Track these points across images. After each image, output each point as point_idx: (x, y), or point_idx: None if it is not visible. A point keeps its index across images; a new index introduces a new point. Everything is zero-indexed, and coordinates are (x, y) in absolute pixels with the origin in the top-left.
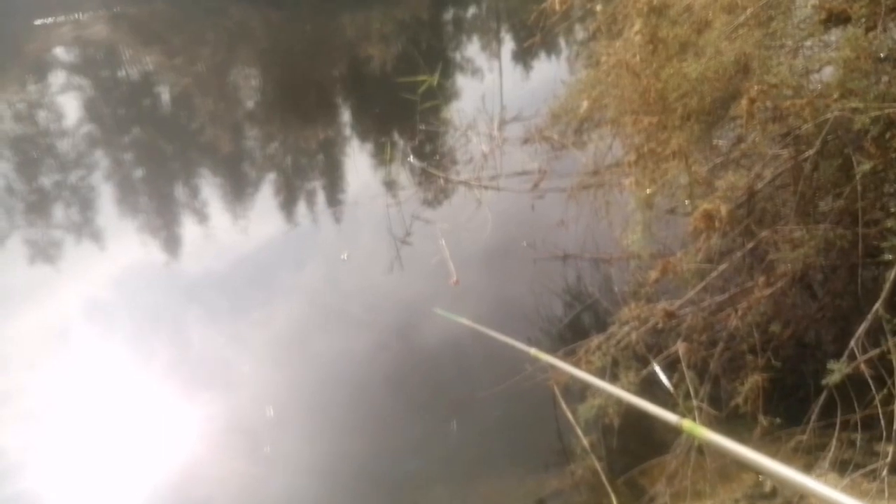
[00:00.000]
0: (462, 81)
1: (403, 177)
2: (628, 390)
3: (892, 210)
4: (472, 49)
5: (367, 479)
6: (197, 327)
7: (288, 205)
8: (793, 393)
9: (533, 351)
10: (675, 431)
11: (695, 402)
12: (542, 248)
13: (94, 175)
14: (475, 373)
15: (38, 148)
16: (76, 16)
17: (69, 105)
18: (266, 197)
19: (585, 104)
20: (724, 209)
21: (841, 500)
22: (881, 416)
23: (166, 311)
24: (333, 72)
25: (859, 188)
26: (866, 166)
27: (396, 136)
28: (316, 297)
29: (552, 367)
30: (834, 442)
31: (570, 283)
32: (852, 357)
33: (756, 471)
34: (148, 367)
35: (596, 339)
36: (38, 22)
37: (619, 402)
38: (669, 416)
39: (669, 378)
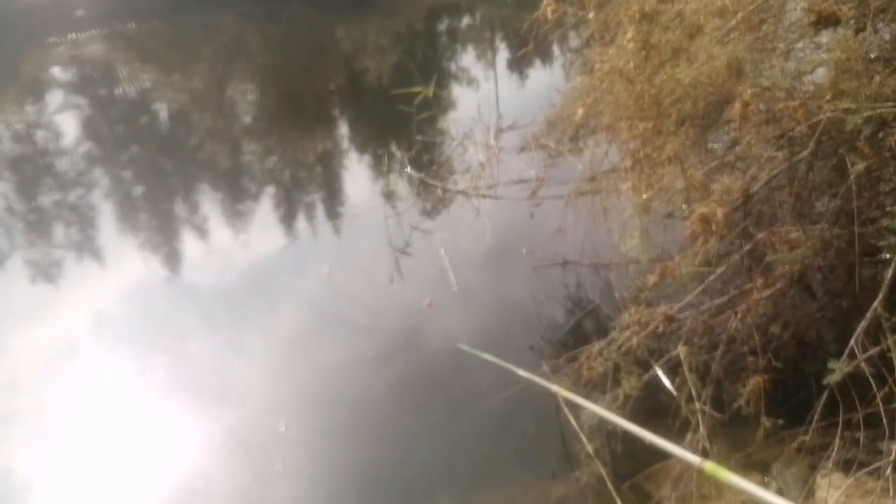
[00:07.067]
0: (457, 91)
1: (401, 188)
2: (650, 430)
3: (889, 209)
4: (467, 59)
5: (365, 487)
6: (190, 337)
7: (287, 218)
8: (795, 393)
9: (555, 388)
10: (673, 436)
11: (697, 405)
12: (541, 255)
13: (94, 193)
14: (478, 380)
15: (36, 167)
16: (91, 32)
17: (67, 124)
18: (266, 210)
19: (580, 111)
20: (720, 212)
21: None
22: (883, 414)
23: (157, 326)
24: (330, 85)
25: (854, 188)
26: (860, 166)
27: (393, 148)
28: (316, 306)
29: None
30: (837, 441)
31: (570, 290)
32: (852, 356)
33: None
34: (142, 381)
35: (597, 345)
36: (50, 40)
37: (623, 406)
38: (691, 458)
39: (672, 381)
